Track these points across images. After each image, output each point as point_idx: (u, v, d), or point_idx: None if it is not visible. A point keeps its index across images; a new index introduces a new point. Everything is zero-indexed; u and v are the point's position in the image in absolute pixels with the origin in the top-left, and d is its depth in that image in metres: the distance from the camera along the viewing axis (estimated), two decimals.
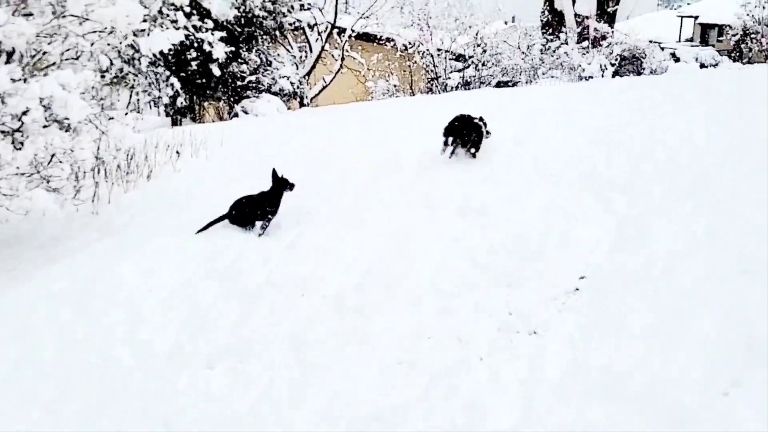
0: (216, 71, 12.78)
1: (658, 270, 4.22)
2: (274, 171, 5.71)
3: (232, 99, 13.87)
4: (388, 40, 18.59)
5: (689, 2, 77.13)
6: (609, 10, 18.80)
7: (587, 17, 18.48)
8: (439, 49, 18.12)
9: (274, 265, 4.85)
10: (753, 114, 8.42)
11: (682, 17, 46.98)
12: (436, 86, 18.17)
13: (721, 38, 36.55)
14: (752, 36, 20.35)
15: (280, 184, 5.69)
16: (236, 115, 13.33)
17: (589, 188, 5.94)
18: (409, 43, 18.08)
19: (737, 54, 22.23)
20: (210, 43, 12.22)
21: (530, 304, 4.15)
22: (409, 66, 18.34)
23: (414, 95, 17.94)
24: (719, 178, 5.86)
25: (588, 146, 7.38)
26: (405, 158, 7.27)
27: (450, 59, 18.46)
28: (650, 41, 18.90)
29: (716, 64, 16.99)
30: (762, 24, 20.35)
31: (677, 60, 16.89)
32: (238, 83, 13.71)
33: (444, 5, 19.32)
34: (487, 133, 7.15)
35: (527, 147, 7.57)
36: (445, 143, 6.91)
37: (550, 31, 19.87)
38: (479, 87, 17.79)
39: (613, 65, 16.04)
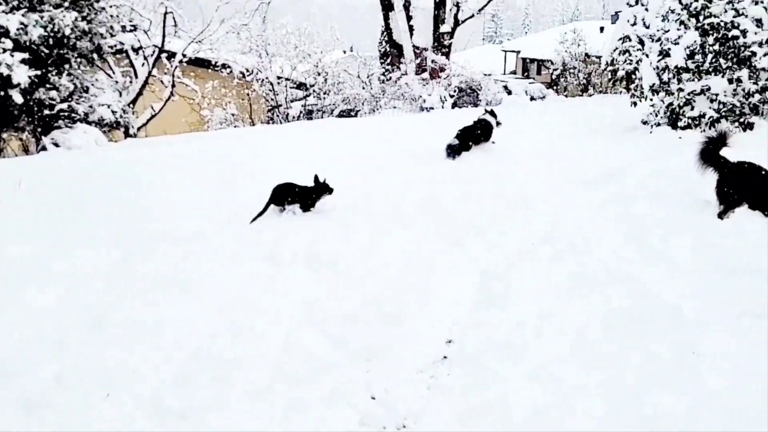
0: (18, 98, 10.92)
1: (530, 332, 3.79)
2: (315, 177, 6.15)
3: (39, 130, 11.98)
4: (224, 66, 17.50)
5: (509, 38, 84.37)
6: (445, 43, 19.34)
7: (425, 49, 18.84)
8: (279, 77, 17.40)
9: (70, 357, 3.74)
10: (596, 144, 8.75)
11: (506, 52, 50.69)
12: (278, 115, 17.40)
13: (540, 72, 39.89)
14: (570, 70, 22.20)
15: (321, 188, 6.14)
16: (44, 148, 11.49)
17: (445, 232, 5.51)
18: (247, 70, 17.16)
19: (556, 86, 24.14)
20: (9, 66, 10.44)
21: (395, 383, 3.50)
22: (248, 94, 17.40)
23: (254, 125, 17.00)
24: (572, 217, 5.71)
25: (440, 185, 7.05)
26: (244, 201, 6.40)
27: (291, 87, 17.81)
28: (484, 74, 19.74)
29: (543, 97, 18.06)
30: (578, 60, 22.30)
31: (510, 92, 17.71)
32: (47, 112, 11.87)
33: (283, 32, 18.70)
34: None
35: (376, 186, 7.08)
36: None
37: (389, 61, 20.01)
38: (322, 116, 17.30)
39: (452, 96, 16.37)
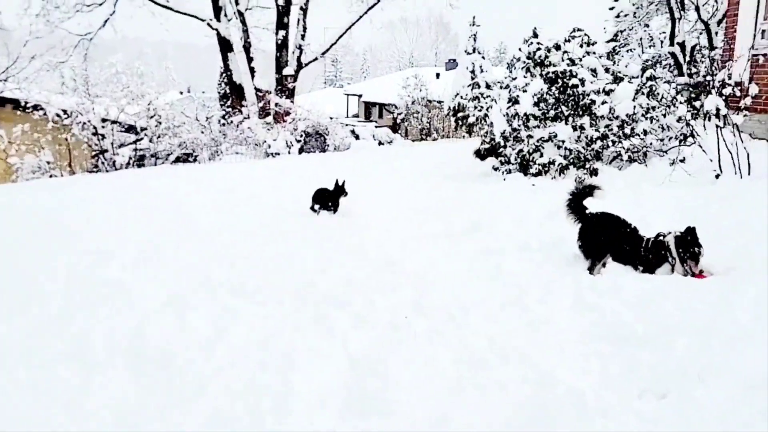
0: None
1: None
2: (336, 181, 7.58)
3: None
4: (36, 107, 15.31)
5: (349, 82, 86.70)
6: (289, 85, 18.71)
7: (268, 92, 18.05)
8: (104, 120, 15.56)
9: None
10: (454, 192, 8.41)
11: (348, 95, 51.52)
12: (104, 162, 15.51)
13: (382, 116, 40.80)
14: (414, 114, 22.62)
15: (338, 190, 7.64)
16: None
17: (304, 307, 4.66)
18: (65, 112, 15.15)
19: (399, 130, 24.53)
20: None
21: None
22: (67, 139, 15.32)
23: (74, 174, 14.96)
24: (443, 278, 5.14)
25: (293, 247, 6.21)
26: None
27: (119, 131, 16.02)
28: (327, 116, 19.38)
29: (391, 141, 18.02)
30: (421, 104, 22.80)
31: (357, 137, 17.44)
32: None
33: (112, 71, 16.92)
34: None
35: (216, 250, 6.07)
36: None
37: (230, 103, 18.95)
38: (155, 163, 15.73)
39: (299, 141, 15.68)
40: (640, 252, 5.01)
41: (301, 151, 15.81)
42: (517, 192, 8.08)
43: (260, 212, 7.74)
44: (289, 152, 15.52)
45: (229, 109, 18.14)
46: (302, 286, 5.07)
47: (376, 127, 19.65)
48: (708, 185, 7.41)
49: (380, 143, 17.61)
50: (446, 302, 4.63)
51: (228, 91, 19.61)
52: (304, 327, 4.34)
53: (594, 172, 8.36)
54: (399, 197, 8.53)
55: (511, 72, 9.63)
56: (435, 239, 6.36)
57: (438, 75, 41.30)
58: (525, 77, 8.91)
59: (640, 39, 19.99)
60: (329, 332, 4.26)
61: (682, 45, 16.74)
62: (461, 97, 19.02)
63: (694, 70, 16.54)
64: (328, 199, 7.65)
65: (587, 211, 5.44)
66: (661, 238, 4.93)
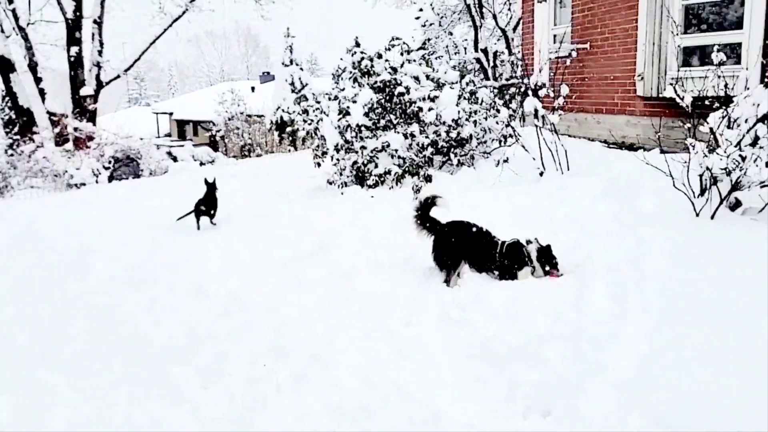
0: None
1: None
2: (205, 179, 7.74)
3: None
4: None
5: (156, 100, 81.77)
6: (89, 107, 16.83)
7: (64, 115, 16.06)
8: None
9: None
10: (293, 210, 7.89)
11: (157, 114, 48.45)
12: None
13: (197, 133, 38.85)
14: (234, 130, 21.62)
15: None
16: None
17: (139, 368, 3.91)
18: None
19: (216, 147, 23.32)
20: None
21: None
22: None
23: None
24: (297, 309, 4.67)
25: (114, 289, 5.32)
26: None
27: None
28: (137, 137, 17.80)
29: (213, 161, 16.98)
30: (241, 120, 21.87)
31: (175, 159, 16.16)
32: None
33: None
34: None
35: (18, 312, 5.00)
36: None
37: (17, 130, 16.57)
38: None
39: (107, 168, 14.10)
40: (495, 257, 4.96)
41: (111, 179, 14.24)
42: (357, 205, 7.82)
43: (67, 257, 6.63)
44: (96, 181, 13.89)
45: (17, 138, 15.82)
46: (134, 341, 4.29)
47: (194, 146, 18.42)
48: (534, 183, 7.75)
49: (202, 164, 16.51)
50: (307, 339, 4.16)
51: (13, 116, 17.13)
52: (142, 395, 3.62)
53: (428, 179, 8.40)
54: (233, 221, 7.85)
55: (337, 83, 9.38)
56: (282, 265, 5.85)
57: (253, 88, 40.33)
58: (353, 87, 8.72)
59: (446, 46, 21.07)
60: (174, 396, 3.59)
61: (485, 51, 17.88)
62: (283, 110, 18.55)
63: (498, 73, 17.73)
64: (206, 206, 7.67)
65: (437, 222, 5.30)
66: (524, 245, 4.91)
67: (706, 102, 6.01)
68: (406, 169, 8.37)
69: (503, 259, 4.91)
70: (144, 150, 15.00)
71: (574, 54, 11.66)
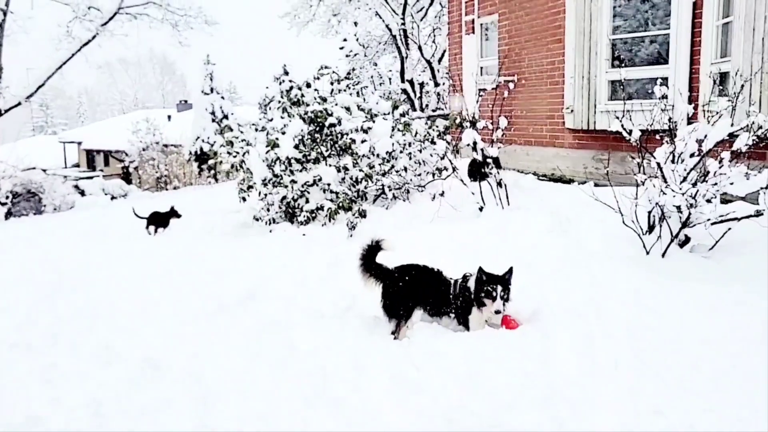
0: None
1: None
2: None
3: None
4: None
5: (64, 128, 77.49)
6: None
7: None
8: None
9: None
10: (216, 251, 7.15)
11: (65, 143, 45.77)
12: None
13: (108, 164, 36.83)
14: (149, 161, 20.43)
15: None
16: None
17: None
18: None
19: (129, 179, 21.90)
20: None
21: None
22: None
23: None
24: (224, 373, 4.02)
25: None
26: None
27: None
28: (40, 169, 16.41)
29: (126, 194, 15.82)
30: (156, 150, 20.72)
31: (83, 193, 14.90)
32: None
33: None
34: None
35: None
36: None
37: None
38: None
39: (4, 204, 12.75)
40: (449, 299, 4.51)
41: (8, 215, 12.89)
42: (288, 245, 7.23)
43: None
44: None
45: None
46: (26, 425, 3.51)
47: (105, 177, 17.13)
48: (474, 219, 7.45)
49: (113, 197, 15.32)
50: (240, 415, 3.53)
51: None
52: None
53: (363, 214, 7.92)
54: (148, 264, 7.05)
55: (265, 113, 8.80)
56: (206, 317, 5.16)
57: (170, 117, 38.82)
58: (283, 118, 8.17)
59: (371, 77, 20.91)
60: None
61: (411, 81, 17.80)
62: (204, 141, 17.72)
63: (425, 104, 17.67)
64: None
65: (385, 269, 4.78)
66: (468, 278, 4.48)
67: (645, 136, 5.91)
68: (340, 204, 7.86)
69: (457, 299, 4.47)
70: (47, 183, 13.72)
71: (504, 86, 11.66)
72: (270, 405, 3.59)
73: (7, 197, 12.91)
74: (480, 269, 4.34)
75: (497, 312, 4.21)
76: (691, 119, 7.50)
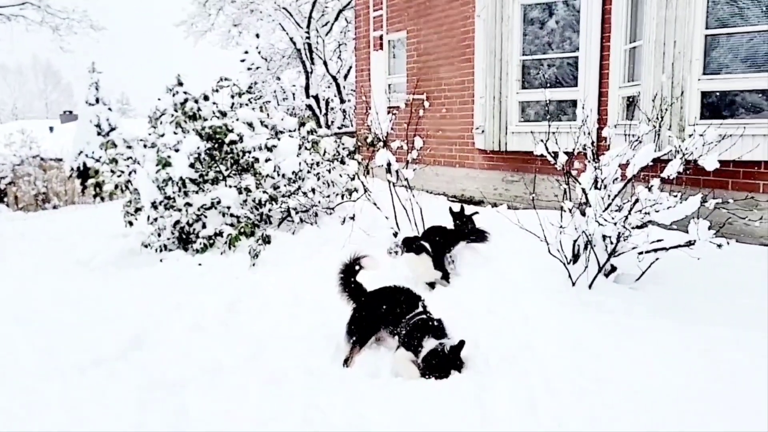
0: None
1: None
2: None
3: None
4: None
5: None
6: None
7: None
8: None
9: None
10: (97, 288, 6.14)
11: None
12: None
13: None
14: (25, 177, 18.46)
15: None
16: None
17: None
18: None
19: (3, 197, 19.63)
20: None
21: None
22: None
23: None
24: None
25: None
26: None
27: None
28: None
29: None
30: (33, 165, 18.72)
31: None
32: None
33: None
34: None
35: None
36: None
37: None
38: None
39: None
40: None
41: None
42: (182, 277, 6.37)
43: None
44: None
45: None
46: None
47: None
48: (389, 244, 6.95)
49: None
50: None
51: None
52: None
53: (267, 240, 7.19)
54: (8, 305, 5.95)
55: (155, 127, 7.88)
56: (79, 373, 4.26)
57: (52, 128, 35.95)
58: (176, 133, 7.30)
59: (275, 91, 20.14)
60: None
61: (316, 98, 17.23)
62: (87, 156, 16.20)
63: (330, 120, 17.14)
64: None
65: (363, 289, 4.60)
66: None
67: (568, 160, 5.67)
68: (241, 229, 7.11)
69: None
70: None
71: (419, 104, 11.37)
72: None
73: None
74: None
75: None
76: (599, 143, 7.47)
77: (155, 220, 7.31)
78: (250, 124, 8.09)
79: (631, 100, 7.96)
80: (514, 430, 3.12)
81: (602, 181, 5.19)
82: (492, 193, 10.20)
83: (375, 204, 7.32)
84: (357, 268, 4.65)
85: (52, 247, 8.52)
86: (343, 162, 8.40)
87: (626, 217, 4.71)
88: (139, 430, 3.47)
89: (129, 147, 7.58)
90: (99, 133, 16.89)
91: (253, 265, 6.76)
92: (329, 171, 8.32)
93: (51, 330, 5.09)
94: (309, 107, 17.44)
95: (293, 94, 20.59)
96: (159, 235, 7.43)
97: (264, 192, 7.49)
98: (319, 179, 8.18)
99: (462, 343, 3.85)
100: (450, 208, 6.41)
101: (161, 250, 7.29)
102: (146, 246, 7.50)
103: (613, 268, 5.22)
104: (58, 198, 17.91)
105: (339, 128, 16.88)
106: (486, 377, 3.66)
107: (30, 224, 11.70)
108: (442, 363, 3.79)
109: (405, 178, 7.05)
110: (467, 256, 6.17)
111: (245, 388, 3.85)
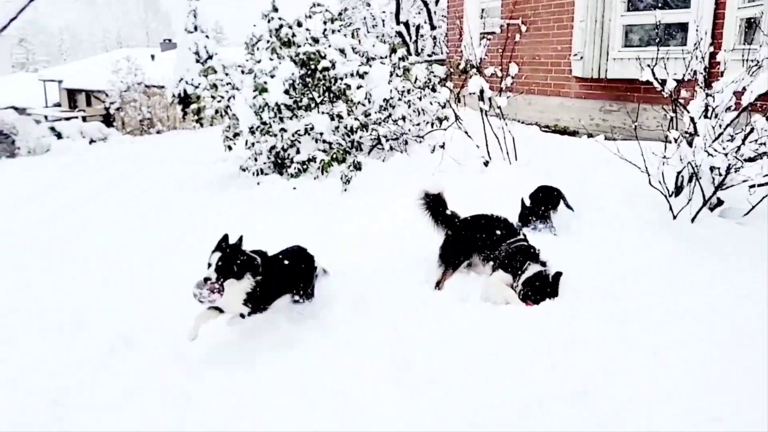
0: None
1: None
2: None
3: None
4: None
5: (45, 66, 74.91)
6: None
7: None
8: None
9: None
10: (208, 208, 6.54)
11: (45, 81, 44.14)
12: None
13: (91, 104, 35.55)
14: (131, 103, 19.51)
15: None
16: None
17: None
18: None
19: (110, 121, 20.84)
20: None
21: None
22: None
23: None
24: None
25: None
26: None
27: None
28: (17, 109, 15.52)
29: (105, 138, 15.02)
30: (138, 92, 19.76)
31: (60, 136, 14.09)
32: None
33: None
34: None
35: None
36: None
37: None
38: None
39: None
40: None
41: None
42: (277, 200, 6.64)
43: None
44: None
45: None
46: None
47: (84, 119, 16.24)
48: (480, 174, 6.88)
49: (92, 141, 14.53)
50: (226, 409, 3.04)
51: None
52: None
53: (358, 167, 7.32)
54: (124, 222, 6.45)
55: (252, 53, 8.05)
56: (184, 288, 4.61)
57: (153, 57, 37.37)
58: (272, 60, 7.44)
59: (364, 18, 19.85)
60: None
61: (407, 24, 16.86)
62: (187, 83, 16.84)
63: (420, 48, 16.81)
64: None
65: (455, 216, 4.61)
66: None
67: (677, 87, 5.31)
68: (333, 155, 7.25)
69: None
70: (20, 124, 12.90)
71: (515, 29, 10.91)
72: (265, 399, 3.10)
73: None
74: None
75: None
76: (712, 70, 6.92)
77: (252, 145, 7.59)
78: (342, 51, 8.08)
79: (750, 21, 7.25)
80: (602, 355, 3.11)
81: (713, 109, 4.86)
82: (588, 124, 9.78)
83: (466, 132, 7.22)
84: (439, 198, 4.64)
85: (157, 169, 9.07)
86: (434, 89, 8.28)
87: (738, 148, 4.42)
88: (244, 343, 3.72)
89: (227, 74, 7.81)
90: (197, 61, 17.42)
91: (345, 190, 6.91)
92: (420, 99, 8.24)
93: (162, 245, 5.50)
94: (399, 34, 17.12)
95: (383, 20, 20.20)
96: (256, 159, 7.73)
97: (355, 119, 7.55)
98: (409, 107, 8.12)
99: (560, 273, 3.86)
100: (522, 201, 5.49)
101: (258, 174, 7.60)
102: (244, 170, 7.85)
103: (720, 202, 4.95)
104: (161, 123, 18.88)
105: (429, 56, 16.53)
106: (578, 305, 3.64)
107: (137, 148, 12.47)
108: (544, 287, 3.81)
109: (498, 106, 6.88)
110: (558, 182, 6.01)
111: (336, 302, 4.03)
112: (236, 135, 8.03)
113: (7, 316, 4.21)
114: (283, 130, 7.28)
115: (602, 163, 6.28)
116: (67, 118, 15.84)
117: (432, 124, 8.45)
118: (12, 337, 3.89)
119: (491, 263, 4.22)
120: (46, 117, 19.27)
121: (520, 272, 3.93)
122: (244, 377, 3.26)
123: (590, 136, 9.21)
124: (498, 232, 4.34)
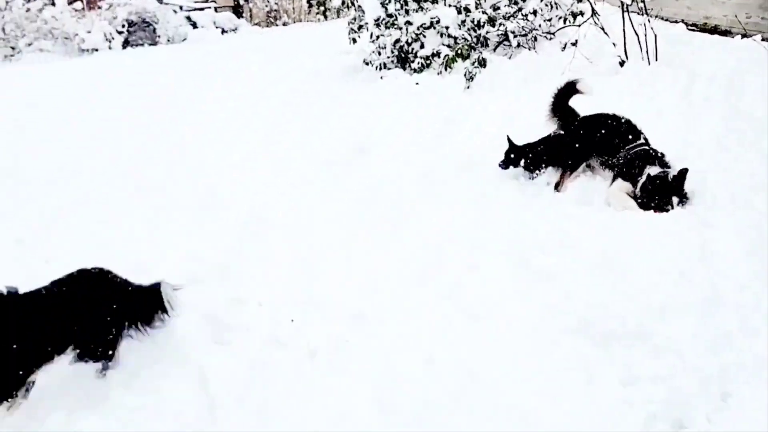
0: None
1: None
2: None
3: None
4: None
5: None
6: None
7: None
8: None
9: None
10: (322, 96, 6.75)
11: None
12: None
13: None
14: None
15: None
16: None
17: None
18: None
19: (239, 12, 21.31)
20: None
21: None
22: None
23: None
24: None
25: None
26: None
27: None
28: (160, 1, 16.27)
29: (236, 29, 15.49)
30: None
31: (195, 25, 14.71)
32: None
33: None
34: None
35: None
36: None
37: None
38: None
39: (120, 33, 12.84)
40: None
41: (125, 45, 13.01)
42: (400, 94, 6.66)
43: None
44: (110, 47, 12.70)
45: None
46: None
47: (216, 11, 16.80)
48: (614, 74, 6.46)
49: (223, 31, 15.07)
50: (345, 292, 3.26)
51: None
52: None
53: (483, 63, 7.09)
54: (255, 109, 6.79)
55: None
56: (315, 172, 4.85)
57: None
58: None
59: None
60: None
61: None
62: None
63: None
64: None
65: (575, 113, 4.44)
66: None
67: None
68: (458, 50, 7.07)
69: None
70: (161, 14, 13.58)
71: None
72: (379, 282, 3.29)
73: (123, 26, 12.95)
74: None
75: None
76: None
77: (377, 38, 7.55)
78: None
79: None
80: (736, 264, 2.97)
81: None
82: (744, 22, 8.75)
83: (602, 29, 6.74)
84: (572, 91, 4.42)
85: (284, 60, 9.31)
86: None
87: None
88: (363, 228, 3.90)
89: None
90: None
91: (468, 87, 6.79)
92: None
93: (290, 133, 5.76)
94: None
95: None
96: (379, 53, 7.72)
97: (483, 12, 7.25)
98: (541, 0, 7.65)
99: (685, 170, 3.57)
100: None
101: (381, 68, 7.62)
102: (367, 63, 7.88)
103: None
104: (287, 15, 19.10)
105: None
106: (711, 215, 3.45)
107: (264, 39, 12.80)
108: (664, 190, 3.56)
109: (641, 0, 6.31)
110: (702, 88, 5.54)
111: (463, 199, 4.09)
112: (360, 27, 8.01)
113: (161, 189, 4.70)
114: (408, 23, 7.16)
115: (755, 65, 5.69)
116: (201, 9, 16.48)
117: (565, 20, 7.94)
118: (165, 205, 4.35)
119: (610, 171, 4.02)
120: (181, 7, 20.05)
121: (638, 179, 3.72)
122: None
123: (745, 36, 8.29)
124: (620, 135, 4.06)
